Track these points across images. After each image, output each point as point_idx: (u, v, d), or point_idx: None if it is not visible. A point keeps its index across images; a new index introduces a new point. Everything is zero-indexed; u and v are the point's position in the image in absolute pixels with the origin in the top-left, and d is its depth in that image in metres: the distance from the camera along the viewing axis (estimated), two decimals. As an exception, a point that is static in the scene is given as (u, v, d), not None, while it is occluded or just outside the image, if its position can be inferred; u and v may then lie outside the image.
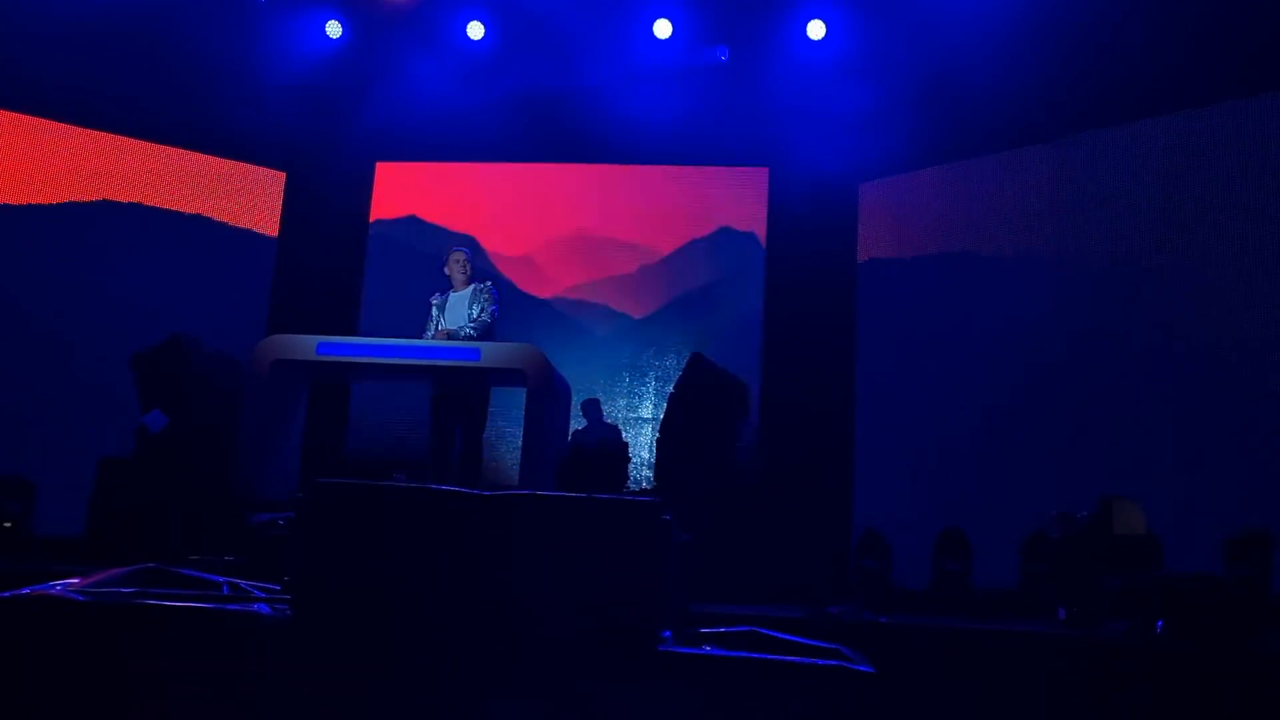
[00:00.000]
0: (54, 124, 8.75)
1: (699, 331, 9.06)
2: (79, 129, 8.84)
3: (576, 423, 8.25)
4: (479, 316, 6.75)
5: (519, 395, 6.64)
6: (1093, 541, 5.10)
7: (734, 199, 9.37)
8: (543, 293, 9.47)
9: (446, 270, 6.97)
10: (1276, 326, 6.73)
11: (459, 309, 6.84)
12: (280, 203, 9.52)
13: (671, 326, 9.23)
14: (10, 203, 8.57)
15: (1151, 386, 7.22)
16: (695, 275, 9.32)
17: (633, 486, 8.35)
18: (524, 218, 9.60)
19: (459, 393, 6.78)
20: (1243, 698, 3.66)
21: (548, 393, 6.45)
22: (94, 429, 7.80)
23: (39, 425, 8.25)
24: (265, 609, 3.02)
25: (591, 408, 8.54)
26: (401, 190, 9.82)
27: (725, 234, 9.34)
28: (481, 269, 6.94)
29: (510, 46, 9.09)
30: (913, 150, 8.50)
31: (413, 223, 9.73)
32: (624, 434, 8.81)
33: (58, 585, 3.13)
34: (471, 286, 6.90)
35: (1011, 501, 7.21)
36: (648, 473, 8.71)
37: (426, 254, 9.54)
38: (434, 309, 6.89)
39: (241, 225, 9.39)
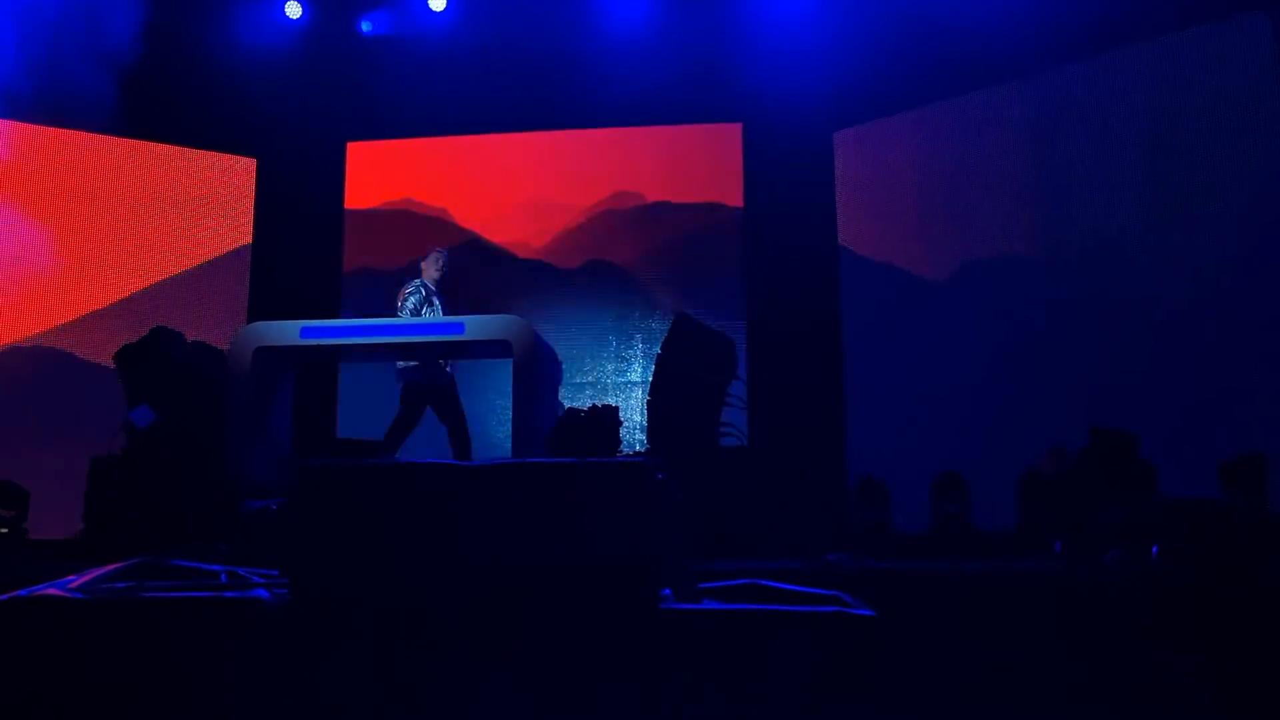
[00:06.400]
0: (15, 124, 8.64)
1: (682, 291, 9.04)
2: (42, 128, 8.74)
3: (565, 391, 8.26)
4: None
5: (506, 366, 6.64)
6: (1086, 474, 5.13)
7: (708, 156, 9.31)
8: (520, 261, 9.43)
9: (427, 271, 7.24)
10: (1262, 253, 6.73)
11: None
12: (253, 189, 9.44)
13: (654, 287, 9.19)
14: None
15: (1139, 316, 7.23)
16: (674, 234, 9.28)
17: (625, 450, 8.35)
18: (496, 187, 9.54)
19: (435, 388, 6.93)
20: (1241, 620, 3.69)
21: (535, 362, 6.44)
22: (84, 429, 7.75)
23: (30, 431, 8.21)
24: (264, 594, 3.02)
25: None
26: (374, 169, 9.75)
27: (702, 192, 9.29)
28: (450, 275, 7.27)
29: (472, 15, 9.00)
30: (887, 94, 8.45)
31: (390, 201, 9.67)
32: (613, 398, 8.80)
33: (54, 585, 3.12)
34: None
35: (1007, 441, 7.23)
36: (640, 436, 8.71)
37: (402, 232, 9.51)
38: (425, 308, 7.00)
39: (215, 213, 9.32)
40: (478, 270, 9.03)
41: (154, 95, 8.77)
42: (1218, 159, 6.96)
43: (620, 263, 9.32)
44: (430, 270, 7.25)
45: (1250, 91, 6.84)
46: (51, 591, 3.02)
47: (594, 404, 7.97)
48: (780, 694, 2.68)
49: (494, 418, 8.56)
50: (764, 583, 3.15)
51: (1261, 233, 6.74)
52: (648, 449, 7.52)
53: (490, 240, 9.40)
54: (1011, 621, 3.74)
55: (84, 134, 8.87)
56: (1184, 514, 4.32)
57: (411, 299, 7.01)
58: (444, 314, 7.05)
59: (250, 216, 9.40)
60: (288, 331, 6.40)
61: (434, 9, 8.95)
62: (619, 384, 9.06)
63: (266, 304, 8.76)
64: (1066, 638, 3.64)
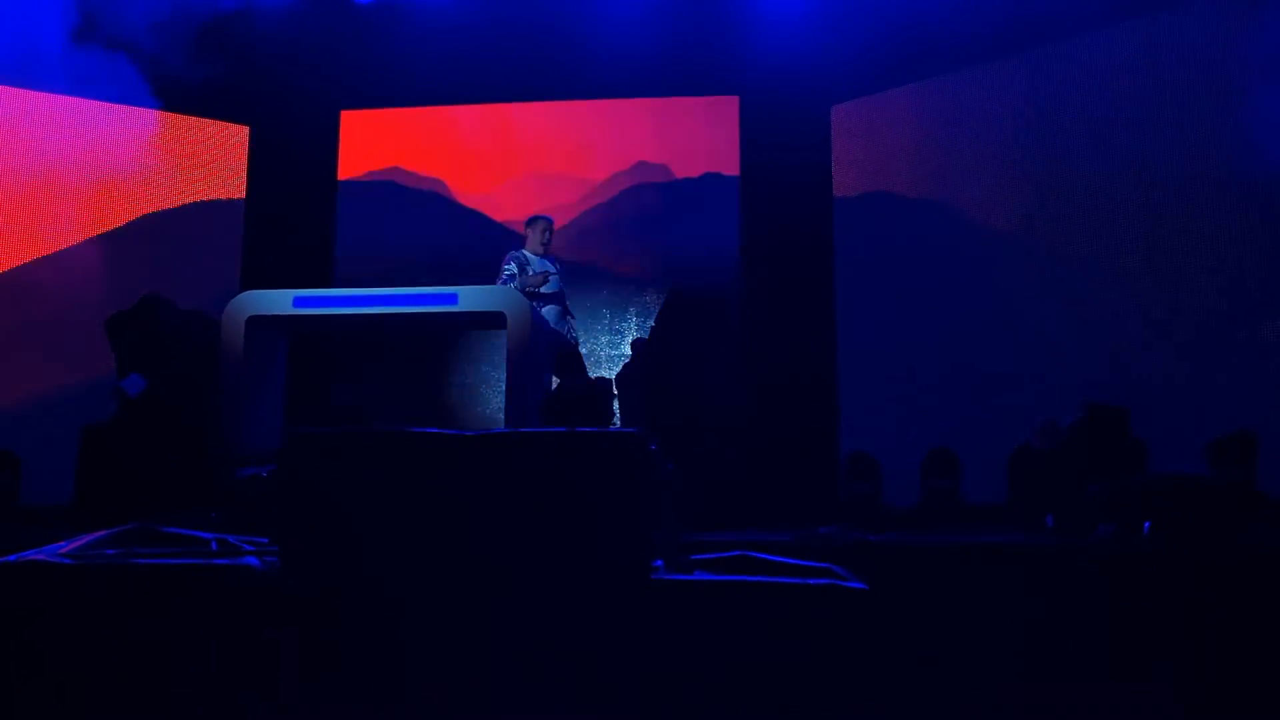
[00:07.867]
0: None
1: (677, 264, 9.01)
2: (29, 92, 8.65)
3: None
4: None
5: (501, 337, 6.61)
6: (1078, 449, 5.13)
7: (705, 128, 9.26)
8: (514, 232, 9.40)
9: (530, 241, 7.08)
10: (1257, 228, 6.72)
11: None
12: (246, 157, 9.37)
13: (648, 260, 9.17)
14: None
15: (1133, 294, 7.22)
16: (670, 207, 9.24)
17: (618, 422, 8.35)
18: (492, 158, 9.49)
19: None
20: (1230, 594, 3.70)
21: (530, 334, 6.40)
22: (75, 398, 7.74)
23: (21, 398, 8.18)
24: (254, 562, 3.01)
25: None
26: (368, 138, 9.68)
27: (698, 165, 9.25)
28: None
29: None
30: (884, 69, 8.40)
31: (382, 170, 9.61)
32: (607, 371, 8.79)
33: (43, 551, 3.11)
34: (549, 259, 7.09)
35: (999, 416, 7.23)
36: (633, 408, 8.71)
37: (396, 202, 9.46)
38: (516, 265, 6.87)
39: (208, 181, 9.25)
40: (470, 242, 8.99)
41: (146, 61, 8.67)
42: (1213, 134, 6.94)
43: (615, 235, 9.29)
44: (533, 240, 7.07)
45: (1247, 67, 6.80)
46: (40, 558, 3.02)
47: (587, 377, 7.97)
48: (771, 665, 2.69)
49: (488, 388, 8.57)
50: (756, 555, 3.15)
51: (1257, 208, 6.73)
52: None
53: (483, 212, 9.35)
54: (1003, 595, 3.75)
55: (77, 100, 8.79)
56: (1174, 489, 4.33)
57: (505, 270, 6.90)
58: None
59: (243, 184, 9.34)
60: (281, 301, 6.36)
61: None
62: (612, 357, 9.04)
63: (259, 272, 8.71)
64: (1058, 611, 3.65)
